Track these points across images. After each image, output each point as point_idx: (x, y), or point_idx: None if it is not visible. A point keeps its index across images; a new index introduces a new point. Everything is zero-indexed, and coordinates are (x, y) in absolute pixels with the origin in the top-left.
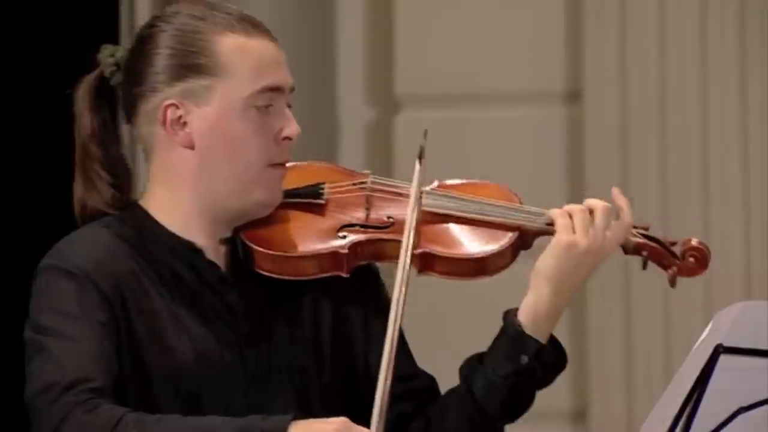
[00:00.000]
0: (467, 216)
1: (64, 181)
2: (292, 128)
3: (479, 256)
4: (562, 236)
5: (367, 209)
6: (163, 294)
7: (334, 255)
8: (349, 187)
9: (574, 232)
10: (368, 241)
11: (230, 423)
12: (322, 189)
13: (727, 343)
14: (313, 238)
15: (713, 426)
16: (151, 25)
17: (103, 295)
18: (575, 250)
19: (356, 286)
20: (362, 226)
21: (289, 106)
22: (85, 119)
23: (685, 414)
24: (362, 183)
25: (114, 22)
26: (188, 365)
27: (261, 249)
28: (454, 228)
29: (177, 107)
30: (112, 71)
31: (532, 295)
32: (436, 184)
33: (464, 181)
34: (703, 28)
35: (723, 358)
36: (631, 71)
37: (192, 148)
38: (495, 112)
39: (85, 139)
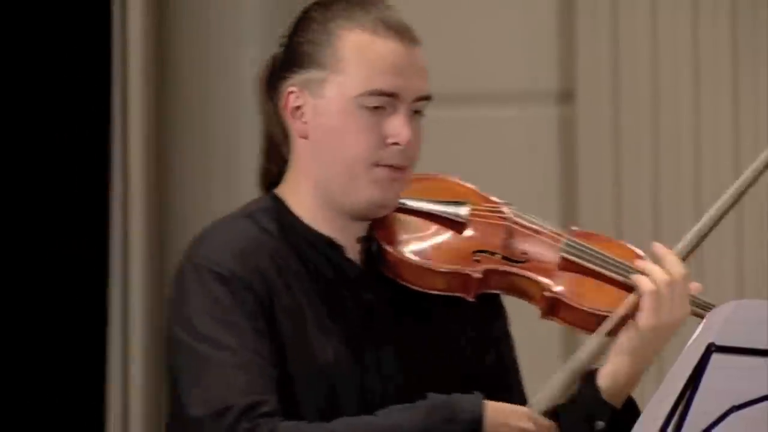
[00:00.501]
0: (603, 272)
1: (48, 179)
2: (401, 135)
3: (600, 313)
4: (649, 319)
5: (504, 240)
6: (304, 290)
7: (466, 278)
8: (489, 213)
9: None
10: (501, 272)
11: (415, 409)
12: (465, 209)
13: (719, 342)
14: (448, 256)
15: (705, 425)
16: (304, 11)
17: (256, 297)
18: (660, 331)
19: (482, 310)
20: (497, 255)
21: (418, 113)
22: (262, 103)
23: (677, 413)
24: (502, 212)
25: (106, 23)
26: (330, 364)
27: (397, 255)
28: (588, 281)
29: (297, 95)
30: (278, 53)
31: (612, 365)
32: (573, 230)
33: (597, 233)
34: (695, 28)
35: (715, 357)
36: (624, 71)
37: (306, 138)
38: (487, 112)
39: (264, 123)
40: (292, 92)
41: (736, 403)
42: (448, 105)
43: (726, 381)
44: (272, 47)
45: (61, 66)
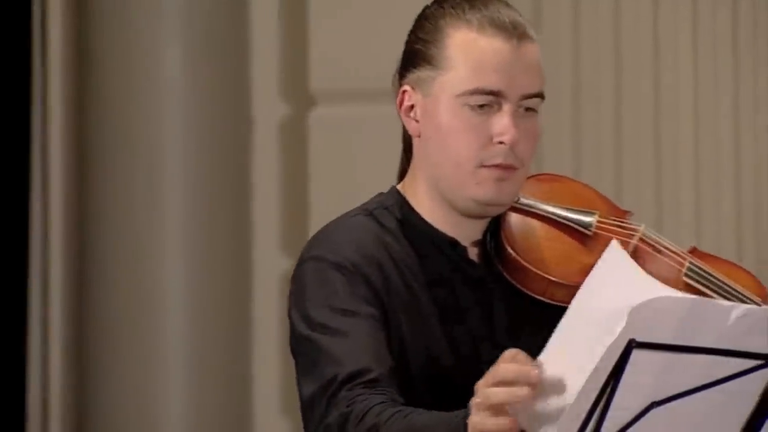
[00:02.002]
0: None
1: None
2: (508, 134)
3: None
4: None
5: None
6: (425, 289)
7: None
8: (616, 228)
9: None
10: None
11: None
12: (592, 220)
13: (639, 338)
14: (572, 268)
15: (626, 420)
16: (424, 9)
17: (373, 288)
18: None
19: None
20: None
21: (530, 110)
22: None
23: (599, 408)
24: (630, 227)
25: (26, 23)
26: (450, 367)
27: (521, 261)
28: None
29: (410, 95)
30: None
31: None
32: (696, 250)
33: (719, 258)
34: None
35: (636, 353)
36: (583, 71)
37: (418, 136)
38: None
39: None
40: (405, 91)
41: (656, 398)
42: (371, 101)
43: (646, 376)
44: (195, 47)
45: None
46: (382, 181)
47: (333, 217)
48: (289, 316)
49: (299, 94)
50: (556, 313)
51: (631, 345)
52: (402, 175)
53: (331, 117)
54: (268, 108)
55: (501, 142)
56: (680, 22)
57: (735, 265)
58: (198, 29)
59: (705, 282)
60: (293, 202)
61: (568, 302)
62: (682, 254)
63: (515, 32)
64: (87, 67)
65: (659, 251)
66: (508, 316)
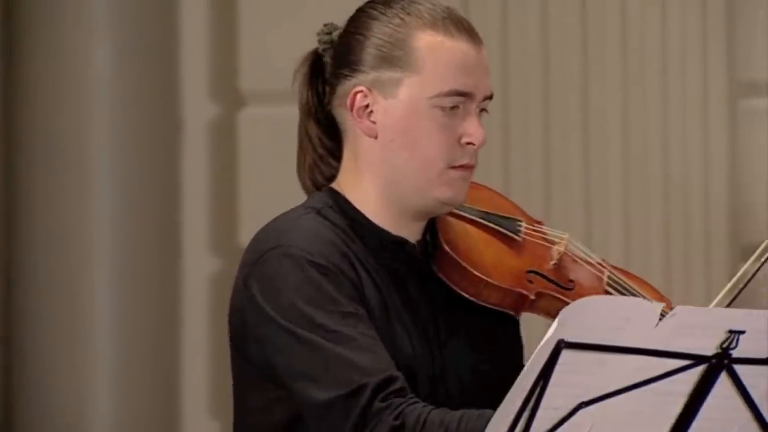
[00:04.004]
0: None
1: None
2: (477, 135)
3: None
4: None
5: (555, 264)
6: (383, 283)
7: (521, 297)
8: (539, 234)
9: None
10: (550, 296)
11: None
12: (521, 227)
13: (569, 339)
14: (505, 272)
15: (555, 421)
16: (363, 9)
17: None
18: None
19: (516, 333)
20: (548, 279)
21: (483, 111)
22: (301, 94)
23: (528, 408)
24: (552, 235)
25: None
26: (411, 356)
27: (461, 263)
28: None
29: (365, 95)
30: (325, 48)
31: None
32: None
33: (627, 271)
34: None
35: (565, 354)
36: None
37: (375, 137)
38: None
39: (303, 116)
40: (359, 92)
41: (585, 399)
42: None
43: (575, 376)
44: (124, 47)
45: None
46: None
47: (263, 218)
48: (243, 309)
49: (229, 95)
50: (488, 315)
51: (560, 345)
52: (313, 172)
53: (260, 117)
54: (197, 108)
55: (470, 143)
56: (609, 26)
57: (641, 279)
58: (127, 29)
59: (624, 292)
60: (222, 202)
61: (501, 306)
62: (601, 263)
63: (474, 33)
64: (15, 68)
65: (582, 260)
66: (449, 315)
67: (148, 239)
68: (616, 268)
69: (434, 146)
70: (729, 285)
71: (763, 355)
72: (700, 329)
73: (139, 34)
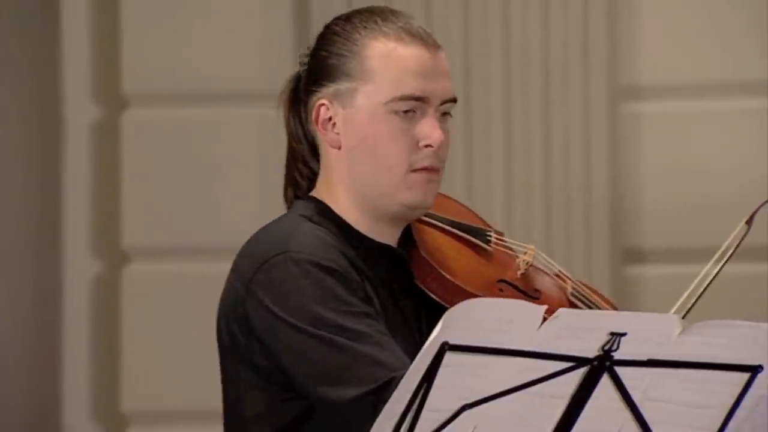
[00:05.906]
0: None
1: None
2: (434, 137)
3: None
4: None
5: (522, 274)
6: (375, 288)
7: None
8: (505, 244)
9: None
10: None
11: None
12: (491, 237)
13: (453, 341)
14: (478, 280)
15: (438, 423)
16: (327, 26)
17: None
18: None
19: None
20: (517, 288)
21: (446, 115)
22: (286, 119)
23: (412, 410)
24: (526, 249)
25: None
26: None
27: (439, 270)
28: None
29: (327, 108)
30: (303, 69)
31: None
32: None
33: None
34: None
35: (449, 356)
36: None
37: (339, 148)
38: (223, 111)
39: (288, 138)
40: (322, 105)
41: (468, 401)
42: (184, 104)
43: (459, 379)
44: (5, 47)
45: None
46: (195, 184)
47: (145, 220)
48: (248, 316)
49: (111, 96)
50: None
51: (444, 347)
52: (293, 188)
53: (143, 119)
54: (79, 109)
55: (428, 145)
56: (491, 30)
57: (602, 294)
58: (8, 29)
59: (586, 303)
60: (105, 204)
61: None
62: (565, 275)
63: (429, 40)
64: None
65: (546, 270)
66: (428, 319)
67: (28, 241)
68: (578, 281)
69: (393, 151)
70: (690, 288)
71: (643, 357)
72: (582, 331)
73: (20, 35)
